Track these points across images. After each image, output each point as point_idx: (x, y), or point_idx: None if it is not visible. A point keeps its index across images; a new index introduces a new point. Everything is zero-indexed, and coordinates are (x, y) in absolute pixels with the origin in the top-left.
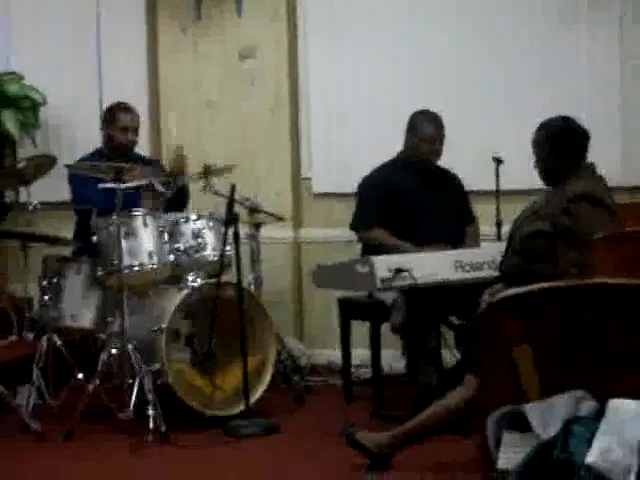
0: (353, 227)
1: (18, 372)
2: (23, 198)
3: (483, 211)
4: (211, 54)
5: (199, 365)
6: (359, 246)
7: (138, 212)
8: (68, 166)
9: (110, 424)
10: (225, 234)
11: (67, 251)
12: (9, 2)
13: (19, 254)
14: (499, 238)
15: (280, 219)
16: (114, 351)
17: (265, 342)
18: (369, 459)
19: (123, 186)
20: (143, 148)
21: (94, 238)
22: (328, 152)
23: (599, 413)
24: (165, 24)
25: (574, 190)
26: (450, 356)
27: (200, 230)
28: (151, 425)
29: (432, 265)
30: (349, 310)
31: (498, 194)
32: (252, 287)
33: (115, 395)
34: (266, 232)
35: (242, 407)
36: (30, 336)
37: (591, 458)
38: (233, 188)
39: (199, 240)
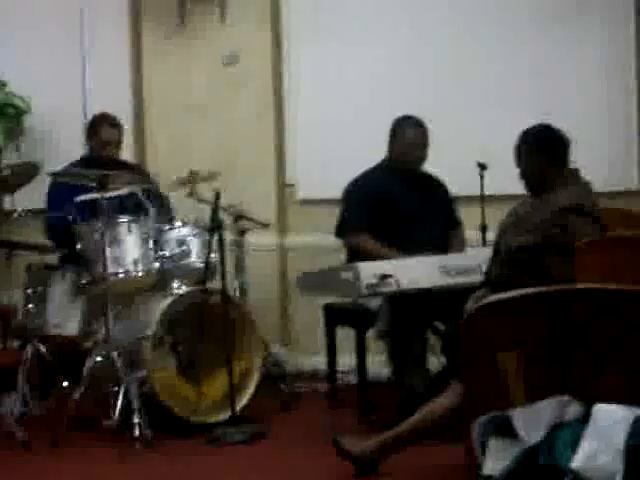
0: (338, 233)
1: (3, 380)
2: (7, 206)
3: (468, 216)
4: (195, 60)
5: (185, 372)
6: (344, 252)
7: (123, 219)
8: (52, 174)
9: (96, 432)
10: (210, 241)
11: (52, 259)
12: None
13: (3, 262)
14: (484, 243)
15: (265, 225)
16: (99, 359)
17: (250, 349)
18: (355, 466)
19: (97, 195)
20: (127, 154)
21: (78, 246)
22: (313, 158)
23: (584, 417)
24: (149, 30)
25: (561, 201)
26: (436, 362)
27: (185, 237)
28: (137, 433)
29: (417, 271)
30: (334, 316)
31: (483, 199)
32: (237, 294)
33: (100, 403)
34: (251, 239)
35: (228, 414)
36: (15, 344)
37: (576, 463)
38: (217, 195)
39: (184, 247)
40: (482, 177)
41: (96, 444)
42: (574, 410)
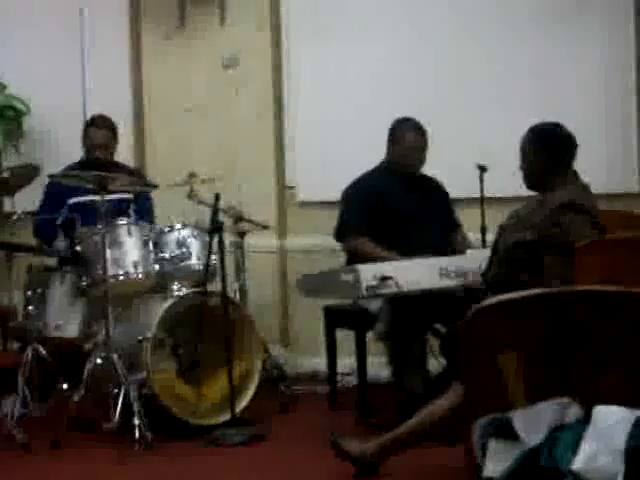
0: (337, 237)
1: (3, 382)
2: (7, 208)
3: (468, 218)
4: (195, 61)
5: (185, 374)
6: (344, 254)
7: (123, 221)
8: (51, 176)
9: (96, 434)
10: (210, 243)
11: (51, 261)
12: None
13: (3, 264)
14: (484, 245)
15: (265, 227)
16: (99, 361)
17: (250, 350)
18: (356, 467)
19: (90, 199)
20: (127, 156)
21: (78, 248)
22: (313, 160)
23: (585, 419)
24: (149, 31)
25: (560, 199)
26: (436, 363)
27: (185, 239)
28: (137, 435)
29: (417, 272)
30: (334, 318)
31: (482, 201)
32: (237, 295)
33: (100, 405)
34: (251, 240)
35: (228, 416)
36: (15, 346)
37: (577, 464)
38: (217, 197)
39: (184, 249)
40: (482, 180)
41: (96, 446)
42: (574, 412)
